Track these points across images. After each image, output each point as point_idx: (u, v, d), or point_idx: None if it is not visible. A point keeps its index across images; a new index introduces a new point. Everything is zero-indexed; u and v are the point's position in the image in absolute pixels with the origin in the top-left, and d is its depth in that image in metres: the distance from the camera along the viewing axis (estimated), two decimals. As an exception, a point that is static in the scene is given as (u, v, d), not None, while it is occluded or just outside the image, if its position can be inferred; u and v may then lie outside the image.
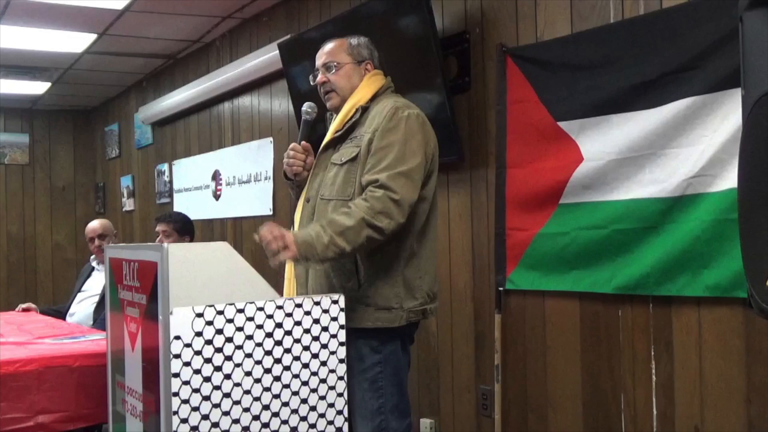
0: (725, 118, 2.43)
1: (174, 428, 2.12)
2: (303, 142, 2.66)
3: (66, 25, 5.29)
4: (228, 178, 5.67)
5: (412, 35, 3.38)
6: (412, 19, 3.36)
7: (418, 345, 3.37)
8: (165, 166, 6.78)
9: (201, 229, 5.79)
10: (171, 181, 6.64)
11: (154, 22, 5.26)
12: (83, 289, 4.66)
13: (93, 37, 5.56)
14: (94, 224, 4.81)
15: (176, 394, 2.12)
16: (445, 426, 3.62)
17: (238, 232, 5.53)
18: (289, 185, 2.75)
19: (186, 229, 4.45)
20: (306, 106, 2.70)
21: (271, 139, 5.08)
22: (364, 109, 2.56)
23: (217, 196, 5.84)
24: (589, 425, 2.93)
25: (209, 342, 2.16)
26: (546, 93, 3.01)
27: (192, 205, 6.05)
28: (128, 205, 7.62)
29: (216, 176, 5.84)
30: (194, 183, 6.19)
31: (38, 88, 7.32)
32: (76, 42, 5.69)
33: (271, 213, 5.06)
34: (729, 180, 2.39)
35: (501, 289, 3.24)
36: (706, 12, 2.48)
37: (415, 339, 2.66)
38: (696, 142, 2.52)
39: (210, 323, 2.16)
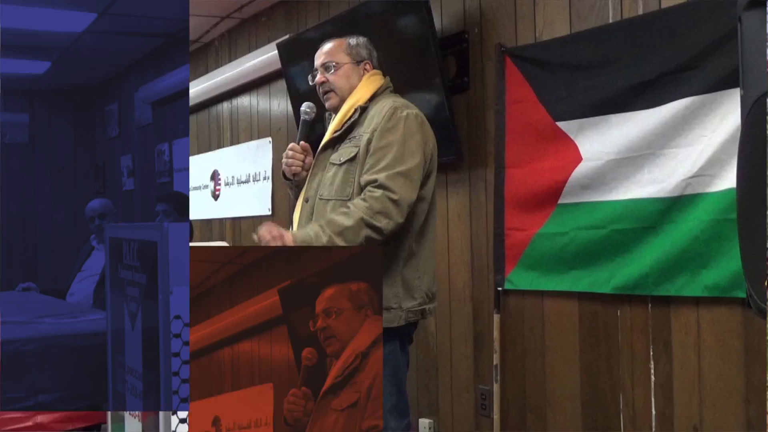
0: (724, 118, 2.43)
1: (173, 407, 2.12)
2: (302, 142, 2.66)
3: (66, 4, 5.23)
4: (227, 178, 5.67)
5: (410, 35, 3.38)
6: (411, 19, 3.36)
7: (416, 345, 3.37)
8: (165, 146, 6.73)
9: (200, 228, 5.79)
10: (171, 161, 6.59)
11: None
12: (83, 268, 4.63)
13: (93, 16, 5.52)
14: (94, 204, 4.79)
15: (176, 374, 2.13)
16: (443, 426, 3.62)
17: (236, 232, 5.53)
18: (287, 185, 2.75)
19: (186, 209, 4.44)
20: (305, 106, 2.70)
21: (269, 139, 5.08)
22: (363, 109, 2.56)
23: (215, 196, 5.84)
24: (588, 425, 2.92)
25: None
26: (545, 93, 3.01)
27: (191, 204, 6.04)
28: (128, 184, 7.57)
29: (215, 176, 5.84)
30: (193, 183, 6.19)
31: (38, 67, 7.26)
32: (76, 21, 5.63)
33: (269, 213, 5.06)
34: (728, 180, 2.39)
35: (500, 289, 3.24)
36: (705, 12, 2.48)
37: (414, 339, 2.66)
38: (695, 142, 2.52)
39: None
